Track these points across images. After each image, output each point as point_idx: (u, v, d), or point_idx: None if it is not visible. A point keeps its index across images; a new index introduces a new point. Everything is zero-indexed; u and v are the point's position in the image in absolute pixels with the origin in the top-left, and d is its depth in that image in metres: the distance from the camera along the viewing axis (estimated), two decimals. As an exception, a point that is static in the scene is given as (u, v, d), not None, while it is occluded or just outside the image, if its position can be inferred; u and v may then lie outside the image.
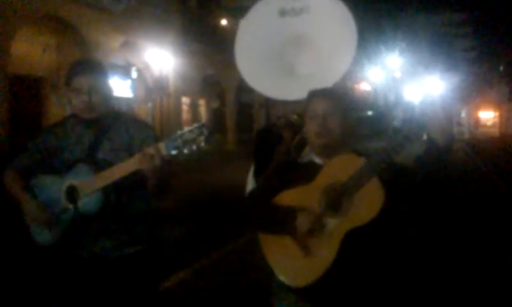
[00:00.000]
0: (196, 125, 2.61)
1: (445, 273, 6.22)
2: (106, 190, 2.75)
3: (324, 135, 2.47)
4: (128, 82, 23.58)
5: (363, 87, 47.55)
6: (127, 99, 23.22)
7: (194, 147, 2.56)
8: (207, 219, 10.04)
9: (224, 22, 28.33)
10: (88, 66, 2.96)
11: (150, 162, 2.58)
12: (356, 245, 2.32)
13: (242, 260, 6.93)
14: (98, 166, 2.79)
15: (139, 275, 2.97)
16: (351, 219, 2.30)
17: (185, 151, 2.57)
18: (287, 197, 2.47)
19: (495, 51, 57.11)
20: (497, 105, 59.56)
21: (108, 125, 2.96)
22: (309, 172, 2.44)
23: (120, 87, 22.35)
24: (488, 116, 62.49)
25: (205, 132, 2.57)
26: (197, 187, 14.09)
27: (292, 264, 2.41)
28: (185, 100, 27.89)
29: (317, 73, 3.75)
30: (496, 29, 56.11)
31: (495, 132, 56.99)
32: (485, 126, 60.79)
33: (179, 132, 2.60)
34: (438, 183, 2.35)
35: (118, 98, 20.97)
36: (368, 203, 2.28)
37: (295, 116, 4.12)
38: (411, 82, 52.54)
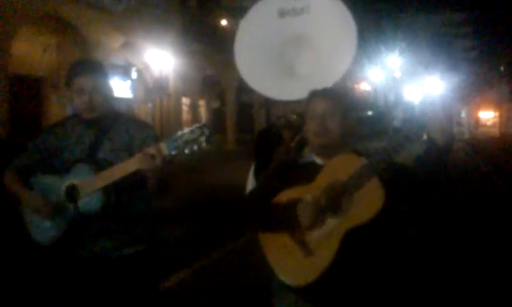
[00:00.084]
0: (197, 125, 2.62)
1: (445, 273, 6.22)
2: (106, 190, 2.75)
3: (324, 135, 2.47)
4: (128, 82, 23.58)
5: (363, 87, 47.55)
6: (127, 99, 23.21)
7: (195, 147, 2.57)
8: (207, 219, 10.03)
9: (224, 22, 28.34)
10: (89, 66, 2.97)
11: (150, 162, 2.59)
12: (355, 245, 2.32)
13: (242, 260, 6.92)
14: (99, 166, 2.79)
15: (139, 276, 2.97)
16: (351, 218, 2.30)
17: (186, 151, 2.58)
18: (287, 197, 2.47)
19: (495, 51, 57.07)
20: (497, 105, 59.59)
21: (108, 125, 2.96)
22: (309, 172, 2.45)
23: (120, 88, 22.34)
24: (488, 116, 62.54)
25: (206, 132, 2.58)
26: (197, 187, 14.09)
27: (292, 263, 2.42)
28: (185, 100, 27.88)
29: (317, 73, 3.74)
30: (496, 29, 56.08)
31: (495, 132, 57.01)
32: (485, 126, 60.84)
33: (180, 132, 2.61)
34: (438, 183, 2.35)
35: (117, 99, 20.96)
36: (368, 202, 2.29)
37: (295, 116, 4.10)
38: (411, 82, 52.51)
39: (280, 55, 3.94)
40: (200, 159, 17.86)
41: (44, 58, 18.22)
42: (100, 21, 18.68)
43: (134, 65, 23.46)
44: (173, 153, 2.60)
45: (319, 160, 2.53)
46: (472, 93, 57.60)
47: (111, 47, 19.68)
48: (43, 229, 2.90)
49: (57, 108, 18.37)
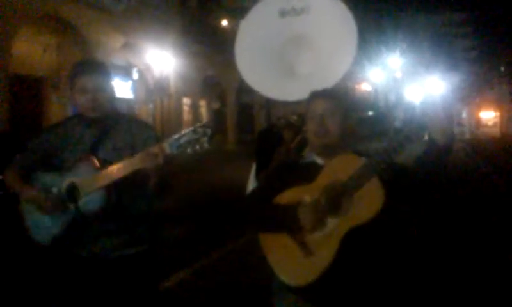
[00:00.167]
0: (199, 124, 2.64)
1: (445, 273, 6.22)
2: (107, 190, 2.75)
3: (323, 136, 2.48)
4: (129, 83, 23.59)
5: (364, 87, 47.57)
6: (128, 100, 23.22)
7: (198, 147, 2.58)
8: (207, 219, 10.03)
9: (224, 22, 28.38)
10: (93, 65, 2.98)
11: (153, 161, 2.61)
12: (355, 245, 2.33)
13: (242, 260, 6.92)
14: (100, 164, 2.79)
15: (140, 276, 2.97)
16: (351, 218, 2.30)
17: (189, 150, 2.59)
18: (288, 197, 2.47)
19: (495, 51, 57.11)
20: (498, 106, 59.62)
21: (110, 125, 2.97)
22: (310, 172, 2.45)
23: (121, 88, 22.34)
24: (488, 116, 62.56)
25: (208, 131, 2.59)
26: (197, 187, 14.08)
27: (292, 264, 2.42)
28: (186, 100, 27.91)
29: (318, 74, 3.74)
30: (496, 29, 56.11)
31: (496, 132, 57.04)
32: (486, 126, 60.87)
33: (183, 132, 2.62)
34: (438, 183, 2.35)
35: (118, 99, 20.98)
36: (368, 202, 2.29)
37: (295, 117, 4.11)
38: (411, 83, 52.52)
39: (281, 56, 3.94)
40: (200, 159, 17.86)
41: (44, 58, 18.24)
42: (100, 21, 18.69)
43: (135, 66, 23.48)
44: (176, 152, 2.61)
45: (319, 160, 2.53)
46: (472, 93, 57.62)
47: (111, 47, 19.69)
48: (43, 228, 2.90)
49: (57, 108, 18.38)
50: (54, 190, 2.85)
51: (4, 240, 6.62)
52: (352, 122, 2.59)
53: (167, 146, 2.62)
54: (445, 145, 2.25)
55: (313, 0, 3.84)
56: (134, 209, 2.94)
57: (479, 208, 11.01)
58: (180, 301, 5.60)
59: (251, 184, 4.32)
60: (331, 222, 2.34)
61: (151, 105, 25.37)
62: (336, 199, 2.35)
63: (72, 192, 2.80)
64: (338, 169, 2.38)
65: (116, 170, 2.71)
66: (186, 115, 28.03)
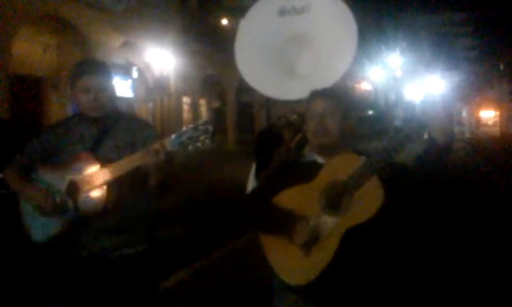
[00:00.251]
0: (200, 122, 2.65)
1: (445, 273, 6.21)
2: (107, 187, 2.76)
3: (322, 135, 2.48)
4: (129, 82, 23.58)
5: (364, 86, 47.53)
6: (128, 99, 23.21)
7: (199, 144, 2.59)
8: (207, 219, 10.02)
9: (224, 21, 28.36)
10: (95, 65, 2.99)
11: (154, 157, 2.61)
12: (355, 244, 2.33)
13: (242, 260, 6.92)
14: (101, 161, 2.80)
15: (139, 276, 2.97)
16: (351, 217, 2.30)
17: (190, 148, 2.60)
18: (288, 197, 2.48)
19: (495, 50, 57.13)
20: (498, 105, 59.62)
21: (111, 123, 2.97)
22: (311, 171, 2.45)
23: (121, 87, 22.33)
24: (488, 115, 62.54)
25: (210, 129, 2.60)
26: (197, 187, 14.08)
27: (292, 263, 2.42)
28: (185, 99, 27.89)
29: (317, 73, 3.74)
30: (496, 28, 56.15)
31: (496, 131, 57.05)
32: (486, 125, 60.87)
33: (184, 129, 2.64)
34: (438, 183, 2.35)
35: (118, 98, 20.95)
36: (367, 201, 2.29)
37: (295, 116, 4.10)
38: (412, 82, 52.51)
39: (281, 55, 3.94)
40: (200, 159, 17.86)
41: (44, 58, 18.22)
42: (100, 21, 18.68)
43: (134, 65, 23.47)
44: (177, 148, 2.62)
45: (320, 159, 2.53)
46: (472, 93, 57.63)
47: (111, 46, 19.68)
48: (42, 228, 2.90)
49: (57, 108, 18.36)
50: (54, 191, 2.85)
51: (4, 240, 6.60)
52: (352, 121, 2.59)
53: (168, 143, 2.63)
54: (445, 144, 2.25)
55: (313, 0, 3.83)
56: (133, 209, 2.94)
57: (479, 208, 11.00)
58: (180, 301, 5.59)
59: (251, 184, 4.32)
60: (331, 221, 2.34)
61: (151, 104, 25.36)
62: (336, 198, 2.35)
63: (72, 190, 2.79)
64: (338, 168, 2.38)
65: (116, 167, 2.72)
66: (186, 114, 28.01)
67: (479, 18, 59.15)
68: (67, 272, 3.01)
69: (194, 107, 29.23)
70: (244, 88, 26.00)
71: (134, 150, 2.80)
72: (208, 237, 8.46)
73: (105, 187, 2.75)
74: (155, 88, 24.28)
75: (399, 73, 50.28)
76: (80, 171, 2.81)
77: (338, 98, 2.56)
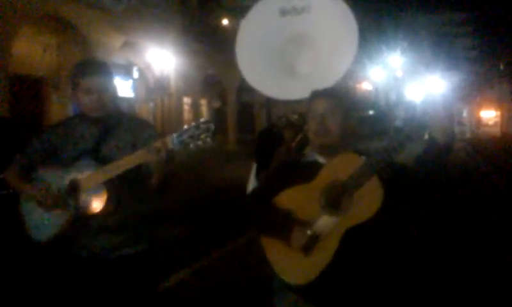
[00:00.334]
0: (202, 120, 2.65)
1: (445, 273, 6.21)
2: (108, 186, 2.76)
3: (323, 135, 2.48)
4: (130, 82, 23.58)
5: (365, 86, 47.55)
6: (128, 99, 23.21)
7: (200, 142, 2.59)
8: (207, 219, 10.02)
9: (225, 21, 28.36)
10: (97, 66, 3.00)
11: (156, 155, 2.61)
12: (355, 244, 2.33)
13: (242, 260, 6.92)
14: (102, 161, 2.80)
15: (139, 276, 2.97)
16: (351, 217, 2.31)
17: (191, 146, 2.60)
18: (288, 197, 2.48)
19: (495, 50, 57.15)
20: (499, 105, 59.60)
21: (113, 123, 2.98)
22: (311, 171, 2.45)
23: (121, 87, 22.31)
24: (489, 115, 62.51)
25: (211, 127, 2.61)
26: (197, 187, 14.08)
27: (292, 263, 2.42)
28: (186, 99, 27.89)
29: (318, 73, 3.73)
30: (496, 28, 56.18)
31: (497, 131, 57.03)
32: (487, 125, 60.85)
33: (186, 127, 2.64)
34: (438, 183, 2.35)
35: (119, 98, 20.94)
36: (367, 201, 2.29)
37: (296, 116, 4.10)
38: (412, 82, 52.50)
39: (281, 55, 3.94)
40: (200, 159, 17.86)
41: (44, 58, 18.22)
42: (101, 21, 18.68)
43: (135, 65, 23.47)
44: (178, 147, 2.62)
45: (321, 159, 2.53)
46: (473, 93, 57.62)
47: (111, 46, 19.68)
48: (42, 228, 2.90)
49: (57, 108, 18.36)
50: (55, 187, 2.85)
51: (4, 240, 6.61)
52: (353, 121, 2.59)
53: (170, 141, 2.63)
54: (445, 144, 2.25)
55: (313, 0, 3.83)
56: (133, 209, 2.94)
57: (479, 208, 11.00)
58: (180, 301, 5.59)
59: (252, 184, 4.32)
60: (331, 221, 2.34)
61: (151, 104, 25.36)
62: (336, 198, 2.35)
63: (73, 189, 2.80)
64: (338, 168, 2.38)
65: (118, 165, 2.72)
66: (187, 114, 28.01)
67: (479, 18, 59.19)
68: (67, 272, 3.01)
69: (195, 107, 29.24)
70: (244, 88, 25.99)
71: (134, 150, 2.80)
72: (208, 237, 8.46)
73: (105, 186, 2.75)
74: (155, 88, 24.28)
75: (399, 73, 50.29)
76: (81, 170, 2.82)
77: (339, 98, 2.56)
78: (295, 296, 2.46)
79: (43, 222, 2.89)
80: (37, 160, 3.00)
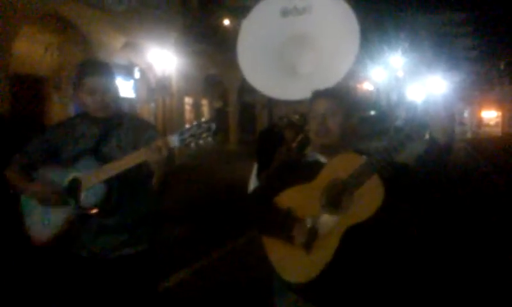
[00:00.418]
0: (203, 119, 2.66)
1: (445, 273, 6.21)
2: (109, 185, 2.76)
3: (324, 135, 2.48)
4: (131, 82, 23.57)
5: (366, 86, 47.49)
6: (130, 99, 23.21)
7: (201, 142, 2.60)
8: (207, 219, 10.02)
9: (226, 22, 28.36)
10: (101, 66, 3.01)
11: (157, 154, 2.61)
12: (355, 243, 2.33)
13: (242, 260, 6.93)
14: (103, 160, 2.81)
15: (139, 276, 2.97)
16: (351, 216, 2.31)
17: (193, 145, 2.61)
18: (289, 197, 2.49)
19: (496, 50, 57.19)
20: (500, 105, 59.55)
21: (115, 123, 2.98)
22: (312, 171, 2.45)
23: (123, 88, 22.30)
24: (490, 115, 62.45)
25: (213, 126, 2.61)
26: (197, 187, 14.09)
27: (293, 261, 2.42)
28: (187, 100, 27.91)
29: (319, 73, 3.73)
30: (496, 28, 56.22)
31: (498, 131, 56.98)
32: (488, 125, 60.78)
33: (187, 126, 2.65)
34: (439, 183, 2.35)
35: (121, 99, 20.90)
36: (368, 200, 2.29)
37: (297, 116, 4.11)
38: (413, 82, 52.45)
39: (282, 55, 3.94)
40: (201, 159, 17.87)
41: (45, 58, 18.22)
42: (101, 21, 18.67)
43: (136, 65, 23.45)
44: (180, 145, 2.63)
45: (322, 159, 2.53)
46: (474, 93, 57.60)
47: (112, 46, 19.68)
48: (42, 227, 2.90)
49: (58, 108, 18.37)
50: (57, 184, 2.85)
51: (4, 240, 6.61)
52: (354, 121, 2.59)
53: (171, 140, 2.63)
54: (445, 144, 2.26)
55: (315, 0, 3.83)
56: (134, 208, 2.94)
57: (478, 208, 10.99)
58: (180, 301, 5.59)
59: (253, 184, 4.33)
60: (332, 220, 2.35)
61: (153, 105, 25.35)
62: (337, 197, 2.35)
63: (74, 188, 2.80)
64: (338, 167, 2.39)
65: (119, 164, 2.73)
66: (188, 114, 28.03)
67: (479, 18, 59.22)
68: (67, 272, 3.01)
69: (196, 107, 29.25)
70: (246, 88, 26.00)
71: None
72: (208, 237, 8.46)
73: (106, 183, 2.75)
74: (157, 88, 24.28)
75: (400, 74, 50.20)
76: (83, 167, 2.82)
77: (340, 99, 2.56)
78: (295, 296, 2.46)
79: (43, 222, 2.89)
80: (38, 160, 3.01)
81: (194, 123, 2.64)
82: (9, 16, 14.98)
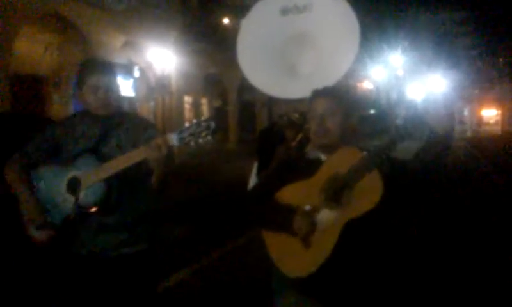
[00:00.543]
0: (203, 118, 2.66)
1: (445, 273, 6.20)
2: (109, 183, 2.76)
3: (323, 135, 2.48)
4: (131, 81, 23.55)
5: (366, 85, 47.49)
6: (129, 98, 23.20)
7: (201, 140, 2.59)
8: (207, 219, 10.02)
9: (226, 20, 28.36)
10: (104, 65, 3.02)
11: (157, 151, 2.61)
12: (354, 237, 2.33)
13: (241, 260, 6.92)
14: (103, 158, 2.81)
15: (139, 276, 2.96)
16: (351, 210, 2.31)
17: (192, 143, 2.60)
18: (288, 193, 2.49)
19: (496, 49, 57.20)
20: (500, 104, 59.54)
21: (116, 122, 2.99)
22: (313, 167, 2.46)
23: (123, 87, 22.23)
24: (490, 114, 62.45)
25: (212, 125, 2.61)
26: (197, 187, 14.09)
27: (293, 256, 2.43)
28: (187, 98, 27.91)
29: (319, 72, 3.73)
30: (496, 28, 56.20)
31: (498, 130, 56.99)
32: (488, 124, 60.78)
33: (187, 125, 2.65)
34: (438, 182, 2.35)
35: (122, 97, 20.90)
36: (367, 194, 2.30)
37: (297, 115, 4.09)
38: (413, 81, 52.44)
39: (282, 54, 3.93)
40: (201, 158, 17.87)
41: (45, 57, 18.22)
42: (101, 20, 18.68)
43: (136, 64, 23.45)
44: (179, 144, 2.63)
45: (323, 156, 2.53)
46: (474, 92, 57.61)
47: (112, 46, 19.68)
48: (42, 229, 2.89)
49: (58, 107, 18.38)
50: (55, 189, 2.85)
51: (4, 240, 6.61)
52: (353, 120, 2.58)
53: (170, 138, 2.63)
54: (444, 143, 2.26)
55: (315, -2, 3.82)
56: (133, 207, 2.94)
57: (478, 207, 10.98)
58: (180, 301, 5.58)
59: (253, 183, 4.32)
60: (332, 214, 2.35)
61: (152, 103, 25.36)
62: (337, 192, 2.35)
63: (73, 186, 2.79)
64: (338, 163, 2.39)
65: (118, 162, 2.73)
66: (187, 113, 28.03)
67: (479, 17, 59.17)
68: (67, 271, 3.00)
69: (196, 106, 29.26)
70: (245, 87, 26.02)
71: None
72: (208, 237, 8.46)
73: (106, 181, 2.75)
74: (156, 87, 24.28)
75: (400, 72, 50.19)
76: (83, 166, 2.82)
77: (340, 98, 2.55)
78: (295, 296, 2.46)
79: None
80: (38, 159, 3.00)
81: (194, 121, 2.64)
82: (9, 16, 14.98)
